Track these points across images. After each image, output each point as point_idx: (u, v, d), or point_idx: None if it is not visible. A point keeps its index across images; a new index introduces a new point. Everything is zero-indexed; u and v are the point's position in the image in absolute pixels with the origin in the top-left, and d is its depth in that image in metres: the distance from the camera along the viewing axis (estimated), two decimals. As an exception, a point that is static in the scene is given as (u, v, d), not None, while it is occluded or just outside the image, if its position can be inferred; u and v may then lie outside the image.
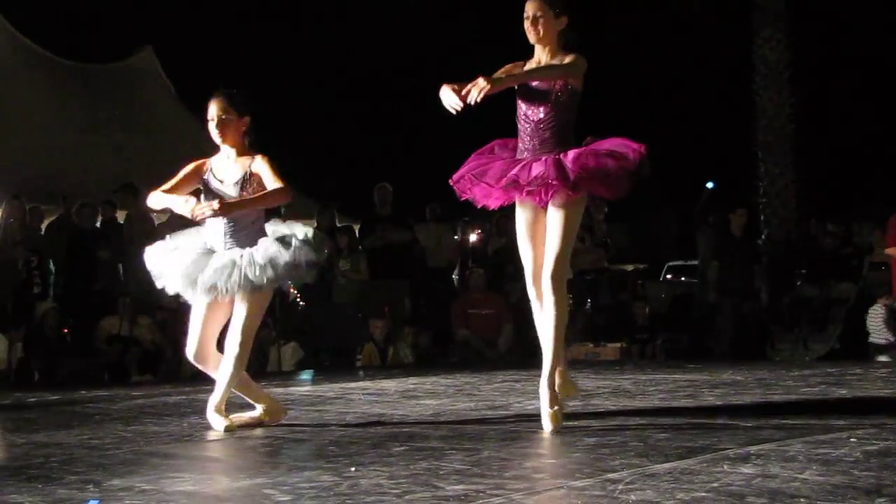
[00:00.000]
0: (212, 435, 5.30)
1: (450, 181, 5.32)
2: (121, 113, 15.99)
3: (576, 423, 5.29)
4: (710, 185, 26.33)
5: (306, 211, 13.26)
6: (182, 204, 5.34)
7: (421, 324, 12.38)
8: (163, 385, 9.03)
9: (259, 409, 5.63)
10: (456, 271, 14.15)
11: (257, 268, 5.28)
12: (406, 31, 23.34)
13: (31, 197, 12.33)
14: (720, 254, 12.76)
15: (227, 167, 5.50)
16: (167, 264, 5.50)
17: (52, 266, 11.56)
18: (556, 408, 5.01)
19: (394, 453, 4.45)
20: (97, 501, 3.53)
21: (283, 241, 5.37)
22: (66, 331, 10.75)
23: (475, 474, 3.88)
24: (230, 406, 5.62)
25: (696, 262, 15.81)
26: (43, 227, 12.18)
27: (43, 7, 19.01)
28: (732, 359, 11.26)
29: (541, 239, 5.16)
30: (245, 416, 5.62)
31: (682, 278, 21.23)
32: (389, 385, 8.14)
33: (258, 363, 10.94)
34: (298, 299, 12.53)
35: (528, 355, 11.69)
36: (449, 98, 4.94)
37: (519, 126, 5.22)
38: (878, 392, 6.85)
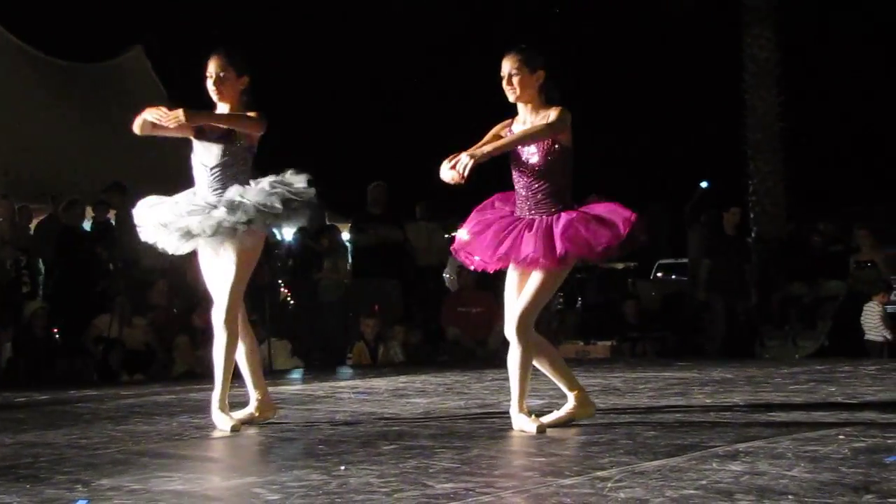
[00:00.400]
0: (201, 434, 5.29)
1: (451, 250, 5.44)
2: (110, 112, 15.94)
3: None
4: (703, 184, 26.35)
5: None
6: (152, 111, 5.32)
7: (411, 323, 12.38)
8: (152, 385, 9.02)
9: (252, 402, 5.62)
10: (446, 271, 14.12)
11: (228, 208, 5.29)
12: (398, 30, 23.34)
13: (19, 196, 12.29)
14: (712, 252, 12.75)
15: None
16: (149, 216, 5.54)
17: (41, 265, 11.52)
18: (532, 416, 5.10)
19: (383, 452, 4.45)
20: (86, 501, 3.53)
21: (259, 185, 5.41)
22: (55, 331, 10.72)
23: (464, 472, 3.88)
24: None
25: (686, 261, 15.82)
26: (32, 226, 12.14)
27: (32, 5, 18.96)
28: (722, 357, 11.28)
29: None
30: (240, 413, 5.60)
31: (673, 276, 21.23)
32: (379, 384, 8.14)
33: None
34: (289, 298, 12.52)
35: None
36: (448, 174, 4.97)
37: (515, 185, 5.24)
38: (866, 389, 6.87)
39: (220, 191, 5.43)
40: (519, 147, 5.16)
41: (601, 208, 5.12)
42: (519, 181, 5.20)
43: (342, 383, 8.48)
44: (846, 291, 12.72)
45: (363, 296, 12.00)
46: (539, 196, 5.13)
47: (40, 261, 11.50)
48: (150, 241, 5.57)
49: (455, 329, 12.23)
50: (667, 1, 19.38)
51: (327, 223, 12.83)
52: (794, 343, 12.47)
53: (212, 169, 5.47)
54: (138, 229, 5.61)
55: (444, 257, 13.64)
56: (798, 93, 17.25)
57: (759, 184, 16.49)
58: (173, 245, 5.47)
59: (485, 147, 5.05)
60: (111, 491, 3.70)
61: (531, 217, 5.14)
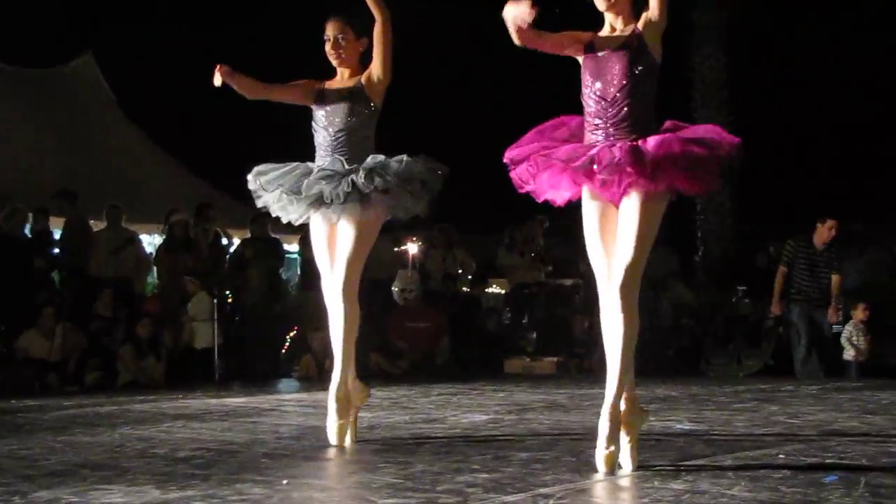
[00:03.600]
0: (143, 446, 5.24)
1: (505, 159, 4.52)
2: (59, 119, 15.80)
3: (510, 436, 5.31)
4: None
5: (243, 219, 13.12)
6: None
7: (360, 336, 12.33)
8: (95, 395, 8.92)
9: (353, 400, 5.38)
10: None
11: (364, 174, 5.04)
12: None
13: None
14: (793, 264, 12.05)
15: (340, 83, 5.34)
16: (268, 180, 5.24)
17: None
18: (612, 448, 4.27)
19: (327, 466, 4.43)
20: (23, 513, 3.48)
21: (400, 158, 5.15)
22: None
23: (407, 488, 3.87)
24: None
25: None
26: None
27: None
28: (666, 374, 11.35)
29: (613, 239, 4.38)
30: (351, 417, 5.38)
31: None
32: (325, 397, 8.08)
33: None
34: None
35: (463, 369, 11.73)
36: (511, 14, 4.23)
37: (586, 107, 4.47)
38: (808, 409, 6.95)
39: (347, 157, 5.16)
40: (597, 62, 4.42)
41: (700, 130, 4.39)
42: (593, 103, 4.43)
43: (287, 396, 8.44)
44: (788, 310, 12.78)
45: (311, 308, 11.94)
46: (621, 115, 4.36)
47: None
48: (271, 209, 5.29)
49: (402, 343, 12.23)
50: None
51: (270, 234, 12.69)
52: (738, 361, 12.57)
53: (336, 133, 5.24)
54: (255, 195, 5.31)
55: (393, 271, 13.64)
56: (746, 113, 17.44)
57: (707, 202, 16.63)
58: (297, 213, 5.22)
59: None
60: (49, 503, 3.66)
61: (610, 142, 4.35)
